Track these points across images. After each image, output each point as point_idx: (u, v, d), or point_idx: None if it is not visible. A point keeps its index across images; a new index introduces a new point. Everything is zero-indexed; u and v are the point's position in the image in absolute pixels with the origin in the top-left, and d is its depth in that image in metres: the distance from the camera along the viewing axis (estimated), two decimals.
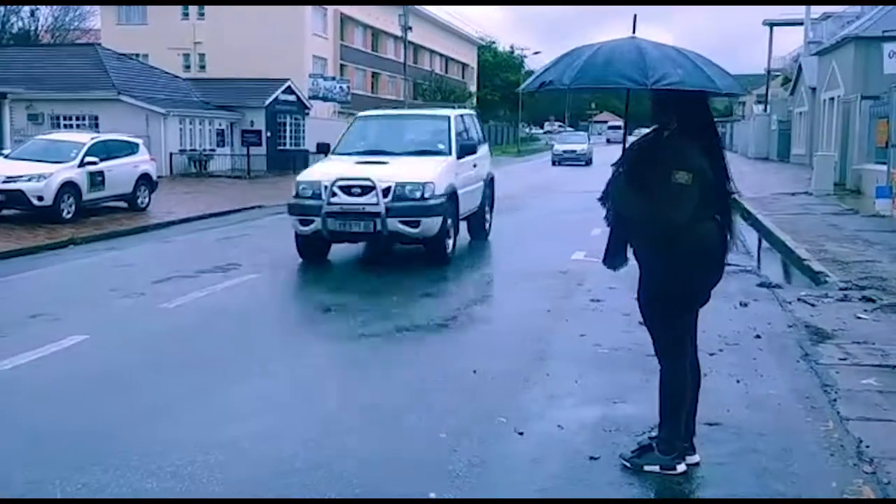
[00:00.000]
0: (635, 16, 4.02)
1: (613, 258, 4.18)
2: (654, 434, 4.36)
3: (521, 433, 4.75)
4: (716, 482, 4.10)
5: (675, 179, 3.83)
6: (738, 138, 56.72)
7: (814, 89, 32.53)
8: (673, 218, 3.89)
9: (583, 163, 40.07)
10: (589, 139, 46.34)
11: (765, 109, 46.19)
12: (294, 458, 4.36)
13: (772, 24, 55.49)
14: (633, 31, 3.95)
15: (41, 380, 5.83)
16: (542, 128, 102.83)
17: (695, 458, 4.26)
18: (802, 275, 10.57)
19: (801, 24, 46.37)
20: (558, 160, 41.19)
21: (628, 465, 4.24)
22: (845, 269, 10.16)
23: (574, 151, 41.53)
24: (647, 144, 4.15)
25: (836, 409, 5.11)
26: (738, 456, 4.41)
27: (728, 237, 4.08)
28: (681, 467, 4.16)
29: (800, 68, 38.17)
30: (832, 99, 26.86)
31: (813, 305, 8.19)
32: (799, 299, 8.47)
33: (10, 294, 9.49)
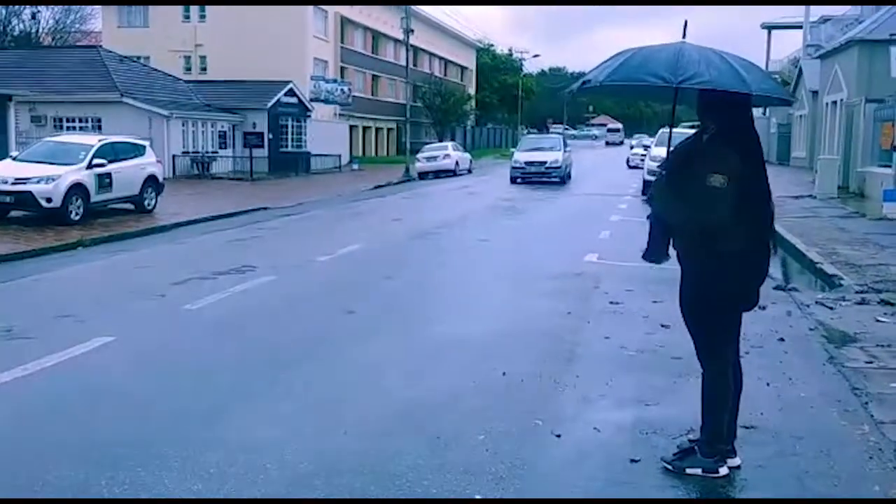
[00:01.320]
0: (686, 21, 4.06)
1: (655, 252, 4.19)
2: (694, 437, 4.38)
3: (558, 435, 4.77)
4: (758, 485, 4.13)
5: (709, 182, 3.87)
6: None
7: (815, 92, 32.63)
8: (707, 221, 3.93)
9: (556, 179, 28.72)
10: (565, 145, 31.51)
11: (764, 112, 46.31)
12: (337, 461, 4.37)
13: (770, 28, 55.68)
14: (684, 36, 3.99)
15: (71, 382, 5.83)
16: (539, 130, 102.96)
17: (736, 461, 4.29)
18: (816, 277, 10.61)
19: (800, 27, 46.51)
20: (519, 176, 29.11)
21: (670, 467, 4.26)
22: (859, 272, 10.21)
23: (542, 164, 29.00)
24: (687, 147, 4.19)
25: (869, 413, 5.13)
26: (778, 459, 4.43)
27: (769, 240, 4.10)
28: (723, 470, 4.19)
29: (800, 71, 38.30)
30: (835, 102, 26.95)
31: (831, 308, 8.23)
32: (817, 302, 8.51)
33: (31, 296, 9.50)
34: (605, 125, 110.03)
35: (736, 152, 3.98)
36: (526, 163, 29.22)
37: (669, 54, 3.81)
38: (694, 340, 4.26)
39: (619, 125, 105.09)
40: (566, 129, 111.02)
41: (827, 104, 28.62)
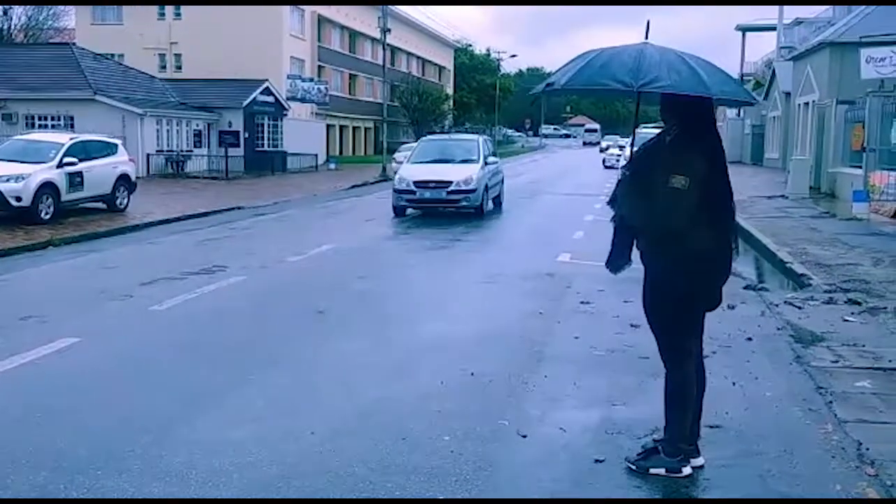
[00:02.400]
0: (648, 21, 4.09)
1: (616, 260, 4.20)
2: (658, 437, 4.39)
3: (524, 436, 4.76)
4: (721, 484, 4.14)
5: (671, 184, 3.88)
6: None
7: (788, 94, 32.93)
8: (668, 222, 3.94)
9: (467, 208, 17.56)
10: (487, 154, 19.10)
11: (738, 114, 46.71)
12: (300, 463, 4.34)
13: (744, 30, 56.18)
14: (646, 37, 3.99)
15: (32, 384, 5.74)
16: (517, 131, 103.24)
17: (699, 461, 4.30)
18: (786, 277, 10.70)
19: (774, 29, 46.94)
20: (406, 203, 17.70)
21: (634, 467, 4.26)
22: (828, 271, 10.30)
23: (445, 186, 17.37)
24: (650, 149, 4.19)
25: (832, 412, 5.17)
26: (741, 458, 4.45)
27: (731, 241, 4.12)
28: (686, 470, 4.20)
29: (773, 73, 38.64)
30: (807, 103, 27.21)
31: (800, 308, 8.29)
32: (786, 302, 8.57)
33: None
34: (582, 125, 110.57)
35: (699, 153, 3.99)
36: (417, 184, 17.35)
37: (630, 57, 3.80)
38: (657, 340, 4.27)
39: (597, 125, 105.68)
40: (556, 129, 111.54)
41: (799, 105, 28.89)
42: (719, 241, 4.08)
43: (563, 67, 4.10)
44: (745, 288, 9.52)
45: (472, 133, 32.72)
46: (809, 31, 40.46)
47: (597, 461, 4.39)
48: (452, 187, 17.29)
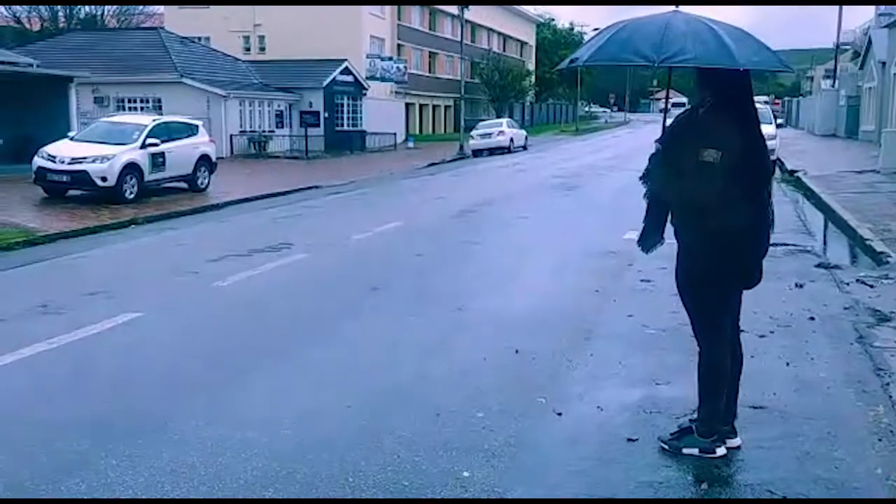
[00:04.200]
0: None
1: (648, 238, 4.10)
2: (694, 416, 4.28)
3: (559, 413, 4.72)
4: (755, 466, 4.01)
5: (702, 157, 3.75)
6: (805, 115, 55.07)
7: (884, 63, 31.33)
8: (697, 196, 3.81)
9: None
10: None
11: (833, 85, 44.67)
12: (333, 436, 4.41)
13: None
14: (677, 5, 3.85)
15: (92, 356, 6.02)
16: (601, 106, 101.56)
17: (736, 442, 4.19)
18: (865, 255, 10.25)
19: None
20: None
21: (667, 447, 4.18)
22: None
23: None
24: (682, 121, 4.06)
25: (888, 394, 4.95)
26: (781, 440, 4.30)
27: (767, 215, 3.95)
28: (720, 450, 4.09)
29: (869, 42, 36.78)
30: None
31: (872, 287, 7.94)
32: (858, 280, 8.22)
33: (72, 273, 9.79)
34: (670, 99, 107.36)
35: (733, 126, 3.84)
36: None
37: (656, 28, 3.66)
38: (690, 318, 4.15)
39: (685, 99, 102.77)
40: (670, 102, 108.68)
41: (894, 75, 27.47)
42: (754, 216, 3.92)
43: (591, 39, 4.00)
44: (817, 266, 9.17)
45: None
46: None
47: (629, 440, 4.32)
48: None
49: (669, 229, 4.14)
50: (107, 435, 4.43)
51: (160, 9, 50.15)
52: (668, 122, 4.16)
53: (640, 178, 4.13)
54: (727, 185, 3.76)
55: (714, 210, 3.83)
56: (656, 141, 4.15)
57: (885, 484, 3.81)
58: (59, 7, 47.23)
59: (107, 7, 49.11)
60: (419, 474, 3.96)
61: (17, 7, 46.74)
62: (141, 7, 50.50)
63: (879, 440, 4.27)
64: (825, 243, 11.52)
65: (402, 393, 5.12)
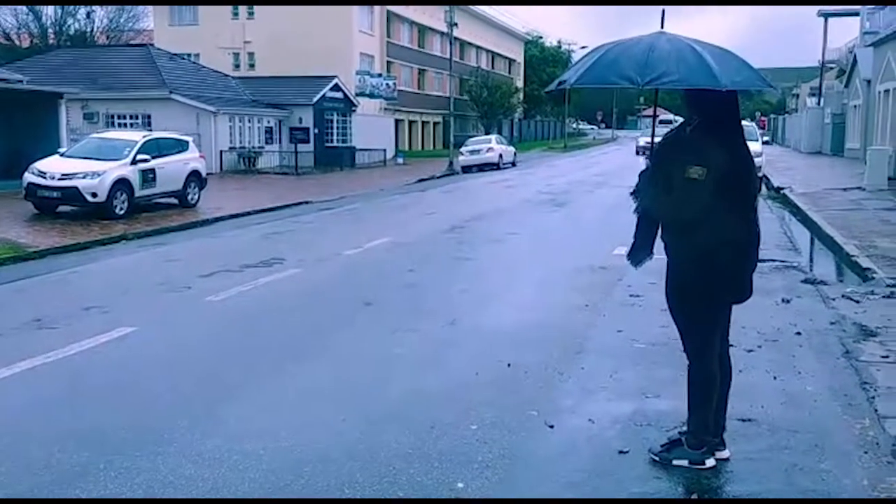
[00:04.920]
0: (663, 10, 4.03)
1: (638, 253, 4.20)
2: (684, 429, 4.37)
3: (551, 426, 4.79)
4: (744, 478, 4.10)
5: (688, 175, 3.86)
6: (791, 132, 55.63)
7: (869, 82, 31.75)
8: (684, 212, 3.92)
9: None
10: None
11: (818, 102, 45.16)
12: (329, 449, 4.47)
13: (826, 15, 54.22)
14: (662, 26, 3.96)
15: (88, 370, 6.05)
16: (589, 123, 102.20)
17: (725, 454, 4.27)
18: (851, 271, 10.39)
19: (857, 14, 45.22)
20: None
21: (657, 459, 4.26)
22: (895, 265, 9.96)
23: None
24: (671, 140, 4.17)
25: (873, 407, 5.05)
26: (769, 452, 4.39)
27: (754, 231, 4.06)
28: (710, 462, 4.17)
29: (854, 60, 37.27)
30: (887, 91, 26.21)
31: (857, 302, 8.06)
32: (843, 296, 8.35)
33: (64, 288, 9.81)
34: (657, 116, 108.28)
35: (718, 144, 3.95)
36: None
37: (640, 51, 3.78)
38: (679, 332, 4.25)
39: (671, 116, 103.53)
40: (664, 119, 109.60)
41: (879, 93, 27.85)
42: (741, 231, 4.03)
43: (579, 61, 4.11)
44: (804, 282, 9.29)
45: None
46: (895, 16, 38.82)
47: (621, 452, 4.40)
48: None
49: (659, 244, 4.24)
50: (105, 447, 4.47)
51: (150, 25, 50.32)
52: (652, 139, 4.28)
53: (631, 194, 4.23)
54: (714, 202, 3.86)
55: (701, 225, 3.93)
56: (645, 158, 4.27)
57: (870, 496, 3.90)
58: (48, 23, 47.29)
59: (96, 23, 49.24)
60: (414, 485, 4.02)
61: (7, 23, 46.77)
62: (131, 24, 50.58)
63: (865, 453, 4.36)
64: (812, 259, 11.67)
65: (396, 406, 5.18)
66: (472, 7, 60.77)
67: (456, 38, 43.43)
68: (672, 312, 4.23)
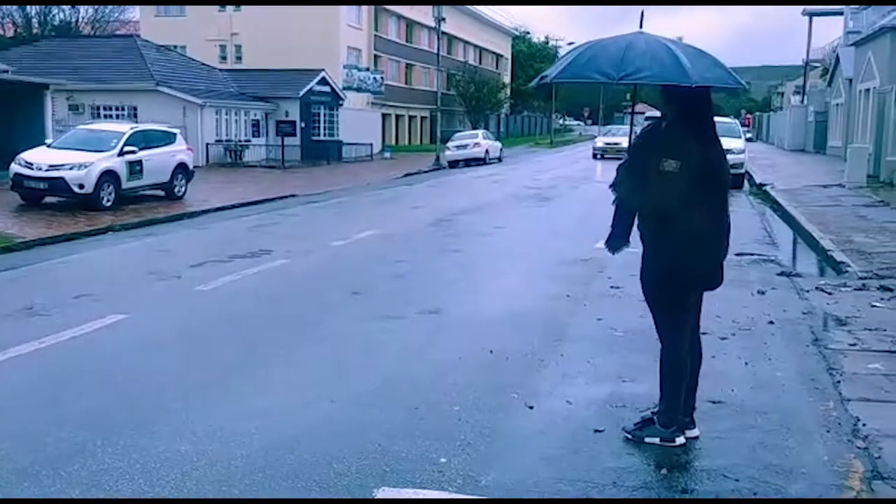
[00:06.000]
0: (642, 12, 4.24)
1: (615, 241, 4.41)
2: (656, 409, 4.59)
3: (531, 407, 5.01)
4: (711, 454, 4.33)
5: (662, 167, 4.07)
6: (775, 130, 56.16)
7: (850, 80, 32.17)
8: (659, 204, 4.13)
9: None
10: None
11: (802, 101, 45.64)
12: (318, 427, 4.66)
13: (811, 15, 54.70)
14: (640, 26, 4.17)
15: (82, 355, 6.22)
16: (576, 119, 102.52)
17: (694, 432, 4.50)
18: (826, 265, 10.66)
19: (841, 14, 45.68)
20: None
21: (630, 436, 4.48)
22: (868, 259, 10.25)
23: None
24: (647, 134, 4.38)
25: (838, 391, 5.29)
26: (737, 431, 4.62)
27: (725, 221, 4.28)
28: (679, 440, 4.40)
29: (837, 59, 37.71)
30: (868, 90, 26.59)
31: (830, 294, 8.32)
32: (817, 288, 8.60)
33: (54, 277, 9.94)
34: (643, 113, 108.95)
35: (693, 139, 4.17)
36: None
37: (618, 48, 4.00)
38: (653, 316, 4.46)
39: (657, 113, 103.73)
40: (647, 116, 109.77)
41: (860, 92, 28.24)
42: (713, 222, 4.25)
43: (561, 58, 4.32)
44: (779, 275, 9.55)
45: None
46: (878, 16, 39.26)
47: (596, 431, 4.62)
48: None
49: (635, 234, 4.46)
50: (102, 427, 4.64)
51: (136, 16, 50.13)
52: (630, 136, 4.50)
53: (610, 187, 4.45)
54: (687, 193, 4.08)
55: (675, 215, 4.15)
56: (625, 151, 4.49)
57: (830, 469, 4.14)
58: (32, 13, 47.02)
59: (81, 14, 48.98)
60: (399, 461, 4.22)
61: None
62: (116, 14, 50.37)
63: (828, 431, 4.60)
64: (791, 254, 11.94)
65: (382, 389, 5.38)
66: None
67: (444, 33, 43.56)
68: (646, 297, 4.45)
